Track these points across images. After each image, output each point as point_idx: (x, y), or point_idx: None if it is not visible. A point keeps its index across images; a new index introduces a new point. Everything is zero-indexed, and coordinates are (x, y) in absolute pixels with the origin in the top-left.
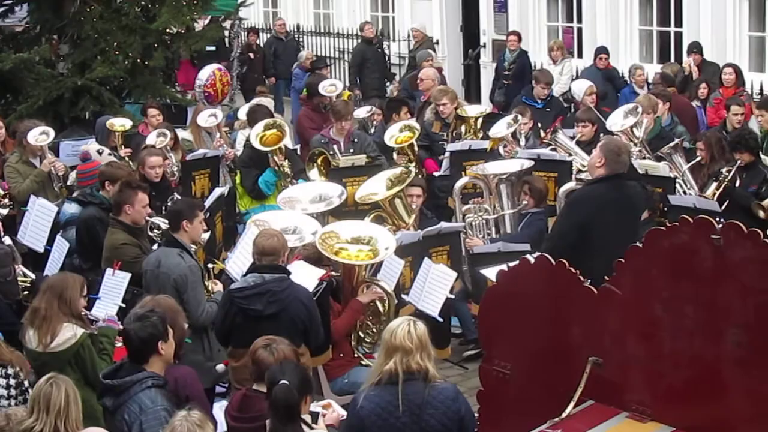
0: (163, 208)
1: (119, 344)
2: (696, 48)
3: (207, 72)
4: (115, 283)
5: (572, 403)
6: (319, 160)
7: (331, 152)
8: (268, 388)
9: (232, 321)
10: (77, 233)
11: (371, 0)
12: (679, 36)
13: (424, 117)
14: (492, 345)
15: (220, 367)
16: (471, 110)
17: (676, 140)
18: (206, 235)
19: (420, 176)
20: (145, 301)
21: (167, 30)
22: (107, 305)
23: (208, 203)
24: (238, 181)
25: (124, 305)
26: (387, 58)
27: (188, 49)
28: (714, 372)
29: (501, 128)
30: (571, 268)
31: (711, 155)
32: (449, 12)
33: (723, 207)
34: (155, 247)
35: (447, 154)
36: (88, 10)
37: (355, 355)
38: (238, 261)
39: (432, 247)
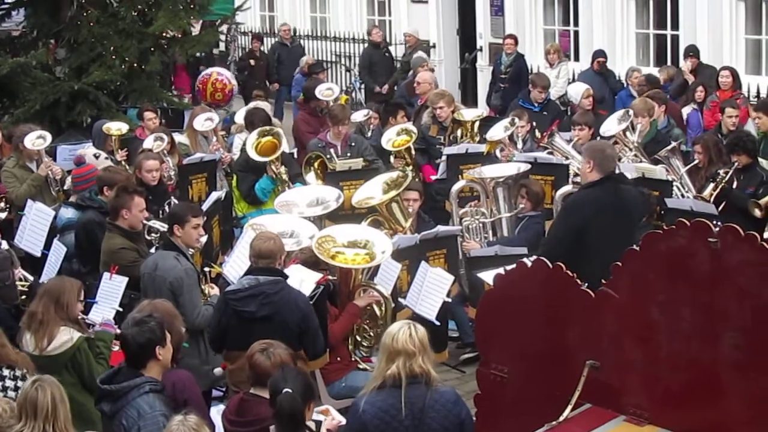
0: (160, 212)
1: (116, 348)
2: (693, 51)
3: (208, 70)
4: (112, 287)
5: (570, 407)
6: (316, 164)
7: (328, 156)
8: (272, 396)
9: (227, 323)
10: (76, 237)
11: (368, 4)
12: (675, 39)
13: (422, 120)
14: (489, 348)
15: (218, 370)
16: (468, 114)
17: (674, 143)
18: (203, 239)
19: (417, 180)
20: (142, 305)
21: (164, 34)
22: (104, 309)
23: (205, 207)
24: (234, 185)
25: (121, 309)
26: (393, 62)
27: (184, 54)
28: (711, 375)
29: (498, 131)
30: (568, 272)
31: (709, 158)
32: (446, 15)
33: (720, 209)
34: (153, 250)
35: (444, 157)
36: (85, 14)
37: (353, 359)
38: (235, 265)
39: (429, 250)
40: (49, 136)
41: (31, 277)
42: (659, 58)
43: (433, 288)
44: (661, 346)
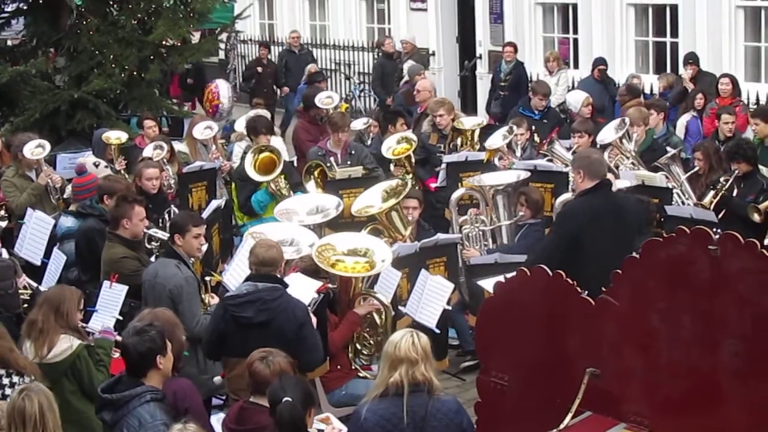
0: (160, 220)
1: (116, 355)
2: (692, 58)
3: (226, 88)
4: (112, 295)
5: (570, 415)
6: (316, 172)
7: (328, 164)
8: (271, 406)
9: (225, 329)
10: (77, 245)
11: (367, 11)
12: (675, 46)
13: (421, 129)
14: (489, 356)
15: (217, 379)
16: (467, 122)
17: (673, 151)
18: (204, 248)
19: (417, 188)
20: (143, 314)
21: (163, 42)
22: (104, 318)
23: (205, 215)
24: (234, 193)
25: (121, 318)
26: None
27: (184, 62)
28: (711, 383)
29: (496, 140)
30: (569, 279)
31: (709, 165)
32: (445, 23)
33: (720, 216)
34: (153, 259)
35: (443, 165)
36: (85, 23)
37: (353, 367)
38: (235, 273)
39: (429, 258)
40: (48, 145)
41: (35, 285)
42: (659, 66)
43: (433, 296)
44: (661, 354)
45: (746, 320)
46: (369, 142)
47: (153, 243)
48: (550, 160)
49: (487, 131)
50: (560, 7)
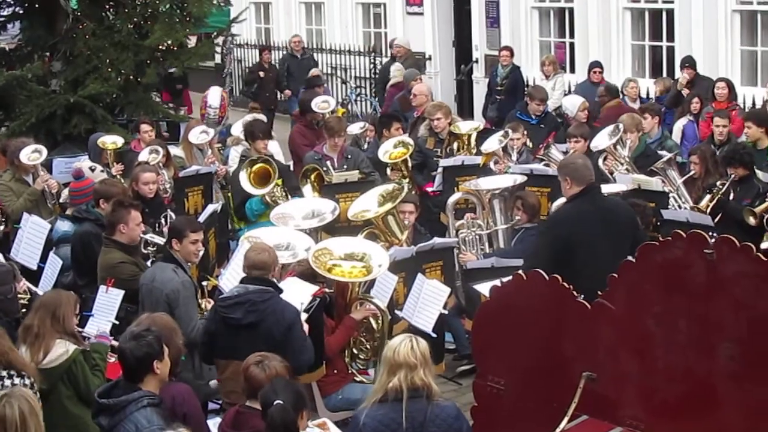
0: (157, 224)
1: (112, 360)
2: (689, 62)
3: (216, 96)
4: (108, 300)
5: (566, 418)
6: (312, 177)
7: (324, 168)
8: (263, 409)
9: (215, 331)
10: (72, 249)
11: (364, 16)
12: (671, 50)
13: (418, 133)
14: (486, 360)
15: (213, 383)
16: (464, 126)
17: (669, 155)
18: (200, 252)
19: (413, 192)
20: (141, 319)
21: (160, 47)
22: (100, 322)
23: (201, 220)
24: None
25: (117, 322)
26: None
27: (180, 66)
28: (707, 386)
29: (492, 144)
30: (565, 284)
31: (705, 168)
32: (441, 27)
33: (716, 220)
34: (149, 263)
35: (440, 169)
36: (81, 27)
37: (349, 372)
38: (231, 277)
39: (425, 262)
40: (44, 151)
41: (35, 289)
42: (655, 70)
43: (429, 300)
44: (658, 358)
45: (742, 324)
46: (365, 146)
47: (149, 248)
48: (547, 165)
49: (483, 135)
50: (556, 12)
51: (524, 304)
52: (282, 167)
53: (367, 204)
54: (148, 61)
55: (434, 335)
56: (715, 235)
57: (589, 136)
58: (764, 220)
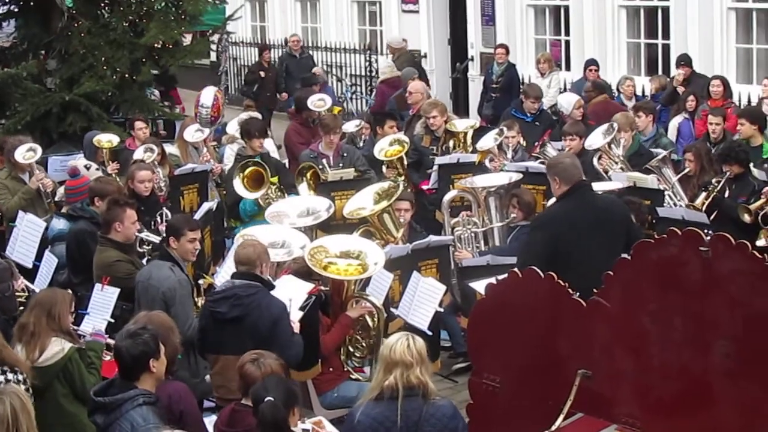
0: (152, 222)
1: (107, 358)
2: (685, 60)
3: (210, 96)
4: (103, 298)
5: (562, 416)
6: (308, 175)
7: (320, 166)
8: (255, 405)
9: (204, 325)
10: (67, 247)
11: (359, 14)
12: (666, 48)
13: (414, 131)
14: (481, 358)
15: (208, 377)
16: (460, 124)
17: (664, 152)
18: (197, 250)
19: (408, 190)
20: (138, 317)
21: (155, 45)
22: (96, 320)
23: (196, 218)
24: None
25: (113, 320)
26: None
27: (176, 64)
28: (703, 384)
29: (487, 141)
30: (560, 281)
31: (700, 166)
32: (437, 25)
33: (711, 218)
34: (144, 261)
35: (435, 167)
36: (76, 25)
37: (345, 369)
38: (227, 275)
39: (421, 260)
40: (39, 149)
41: (33, 287)
42: (650, 68)
43: (425, 298)
44: (653, 355)
45: (737, 321)
46: (361, 144)
47: (145, 246)
48: (543, 162)
49: (479, 133)
50: (552, 9)
51: (520, 302)
52: (278, 165)
53: (363, 202)
54: (144, 59)
55: (430, 333)
56: (710, 232)
57: (584, 134)
58: (759, 218)
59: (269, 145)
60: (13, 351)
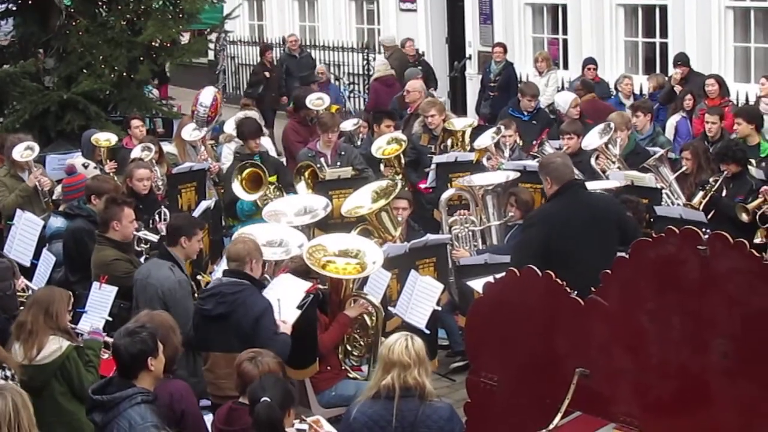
0: (150, 221)
1: (105, 356)
2: (682, 59)
3: (209, 95)
4: (101, 296)
5: (560, 415)
6: (306, 173)
7: (318, 165)
8: (251, 405)
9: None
10: (65, 245)
11: (357, 12)
12: (664, 47)
13: (412, 130)
14: (479, 357)
15: None
16: (458, 123)
17: (661, 151)
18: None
19: (406, 189)
20: (140, 315)
21: (153, 43)
22: (93, 319)
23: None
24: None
25: (110, 319)
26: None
27: (174, 63)
28: (701, 383)
29: (485, 140)
30: (558, 280)
31: (698, 164)
32: (435, 24)
33: (709, 217)
34: (142, 260)
35: (433, 166)
36: (74, 24)
37: (343, 368)
38: None
39: (419, 259)
40: (36, 147)
41: (33, 286)
42: (648, 66)
43: (422, 297)
44: (651, 354)
45: (735, 320)
46: (359, 142)
47: (143, 245)
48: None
49: (477, 132)
50: (550, 8)
51: (517, 301)
52: (277, 164)
53: (361, 200)
54: (141, 58)
55: (428, 332)
56: (708, 231)
57: (581, 132)
58: (757, 217)
59: (267, 143)
60: (1, 348)
